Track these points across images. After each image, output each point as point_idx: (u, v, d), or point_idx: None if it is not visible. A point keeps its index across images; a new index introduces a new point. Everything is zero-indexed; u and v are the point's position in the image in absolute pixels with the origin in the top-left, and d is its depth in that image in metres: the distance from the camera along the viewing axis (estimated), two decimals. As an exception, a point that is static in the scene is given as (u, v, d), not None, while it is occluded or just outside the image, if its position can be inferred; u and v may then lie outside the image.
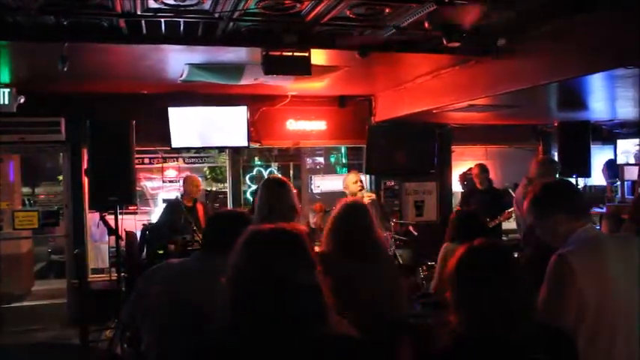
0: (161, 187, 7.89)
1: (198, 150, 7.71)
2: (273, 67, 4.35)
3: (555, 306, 2.01)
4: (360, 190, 6.06)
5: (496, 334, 1.57)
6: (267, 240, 1.54)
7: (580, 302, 1.97)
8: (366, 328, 1.74)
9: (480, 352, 1.58)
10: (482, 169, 6.82)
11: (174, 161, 7.89)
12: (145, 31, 4.08)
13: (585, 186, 8.37)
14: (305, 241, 1.58)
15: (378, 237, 2.94)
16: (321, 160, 9.32)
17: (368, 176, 7.55)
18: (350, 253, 2.74)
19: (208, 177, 9.22)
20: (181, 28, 4.06)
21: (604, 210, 7.58)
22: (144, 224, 6.33)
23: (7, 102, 5.68)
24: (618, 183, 8.84)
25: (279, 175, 6.46)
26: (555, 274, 2.03)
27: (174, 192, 7.33)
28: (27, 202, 10.19)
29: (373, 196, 5.65)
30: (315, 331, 1.48)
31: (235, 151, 7.42)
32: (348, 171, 7.99)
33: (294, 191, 3.45)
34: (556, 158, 6.98)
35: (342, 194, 7.68)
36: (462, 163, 8.29)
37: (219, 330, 1.54)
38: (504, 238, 6.89)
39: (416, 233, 6.50)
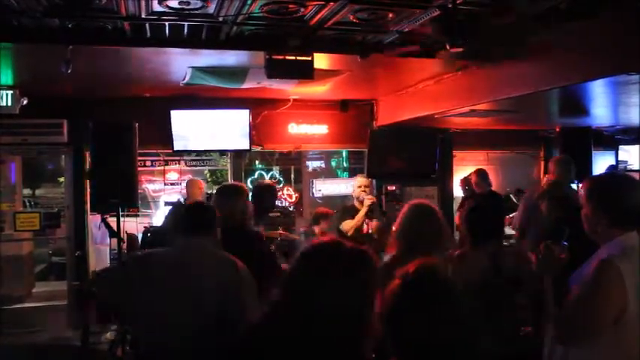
0: (163, 190, 7.89)
1: (199, 153, 7.71)
2: (276, 70, 4.36)
3: (596, 307, 2.06)
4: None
5: None
6: (328, 264, 1.52)
7: (621, 307, 2.02)
8: None
9: None
10: (480, 175, 6.81)
11: (175, 164, 7.91)
12: (148, 34, 4.10)
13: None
14: (373, 262, 1.55)
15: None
16: (322, 163, 9.32)
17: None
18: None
19: (209, 180, 9.23)
20: (185, 31, 4.08)
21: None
22: (145, 227, 6.32)
23: (10, 104, 5.70)
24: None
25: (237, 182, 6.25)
26: (602, 278, 2.05)
27: (175, 195, 7.34)
28: (27, 204, 10.19)
29: (373, 199, 5.56)
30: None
31: (237, 155, 7.42)
32: (350, 175, 8.00)
33: (247, 199, 3.63)
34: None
35: (343, 198, 7.72)
36: (463, 168, 8.29)
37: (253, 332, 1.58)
38: (505, 243, 6.86)
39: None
